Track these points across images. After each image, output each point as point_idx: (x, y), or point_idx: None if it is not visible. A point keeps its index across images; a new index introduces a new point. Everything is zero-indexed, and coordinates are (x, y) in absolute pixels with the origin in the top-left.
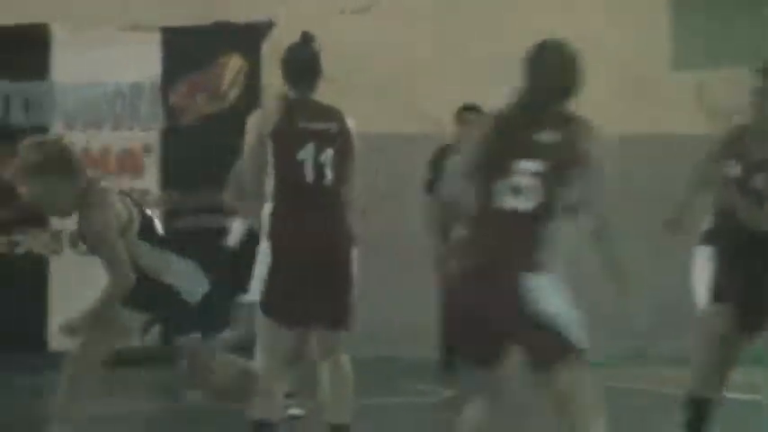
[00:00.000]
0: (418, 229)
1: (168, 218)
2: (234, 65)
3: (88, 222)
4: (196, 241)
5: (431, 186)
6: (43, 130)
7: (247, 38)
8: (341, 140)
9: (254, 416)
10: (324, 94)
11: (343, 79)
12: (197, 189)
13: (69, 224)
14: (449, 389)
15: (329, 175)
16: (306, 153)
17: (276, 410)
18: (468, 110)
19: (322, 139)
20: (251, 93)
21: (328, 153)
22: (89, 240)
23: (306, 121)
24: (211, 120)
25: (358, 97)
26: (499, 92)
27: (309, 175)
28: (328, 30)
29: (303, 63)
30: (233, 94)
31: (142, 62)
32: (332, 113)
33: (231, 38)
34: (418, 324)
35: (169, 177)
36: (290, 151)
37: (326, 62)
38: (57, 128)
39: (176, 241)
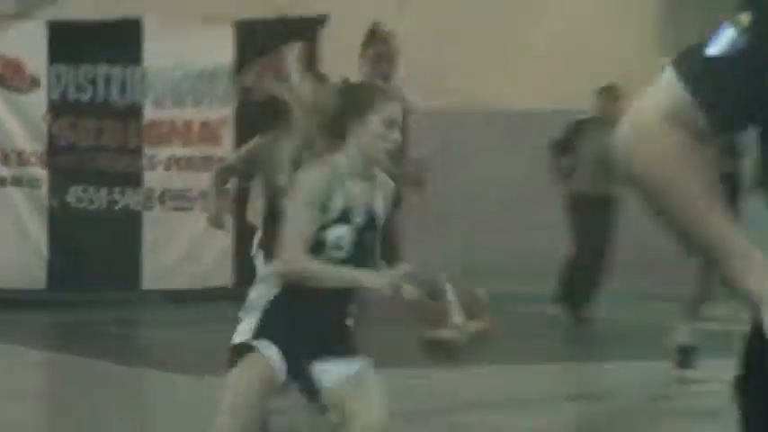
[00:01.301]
0: None
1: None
2: (295, 52)
3: None
4: None
5: None
6: (136, 107)
7: (306, 29)
8: None
9: None
10: None
11: None
12: None
13: (160, 184)
14: None
15: None
16: None
17: None
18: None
19: None
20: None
21: None
22: None
23: None
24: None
25: None
26: None
27: None
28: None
29: None
30: (294, 77)
31: (218, 50)
32: None
33: (292, 29)
34: None
35: (242, 146)
36: None
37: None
38: (147, 106)
39: None
